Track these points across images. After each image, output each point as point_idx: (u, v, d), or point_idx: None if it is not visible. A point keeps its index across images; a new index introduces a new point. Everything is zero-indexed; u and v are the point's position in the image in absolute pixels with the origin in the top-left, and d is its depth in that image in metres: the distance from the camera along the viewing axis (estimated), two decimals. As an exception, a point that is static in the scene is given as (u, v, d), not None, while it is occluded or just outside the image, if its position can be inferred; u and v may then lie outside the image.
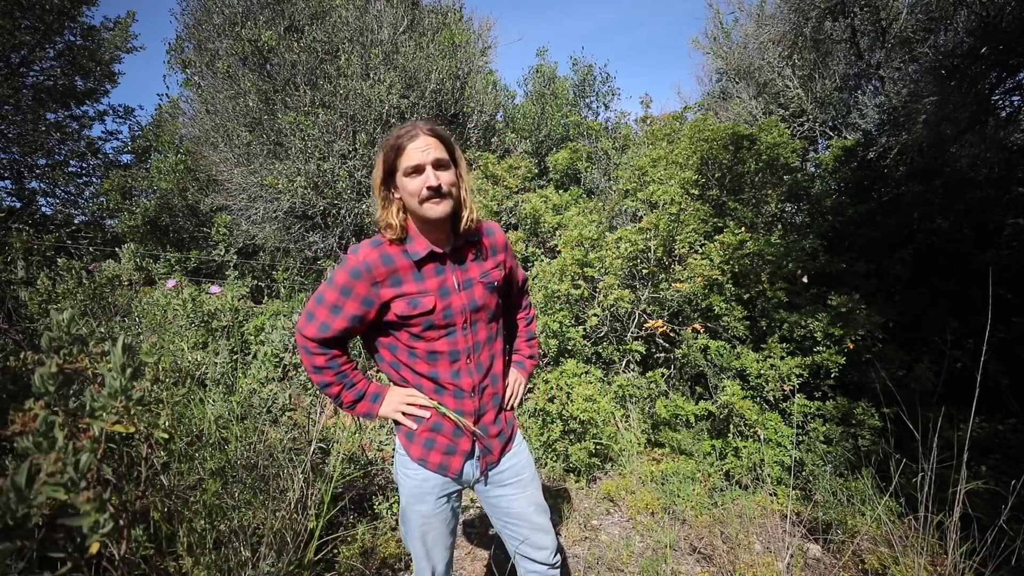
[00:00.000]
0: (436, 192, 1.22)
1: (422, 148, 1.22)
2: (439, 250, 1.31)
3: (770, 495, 2.94)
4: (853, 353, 3.26)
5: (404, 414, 1.38)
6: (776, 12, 6.71)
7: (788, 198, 4.83)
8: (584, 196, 5.66)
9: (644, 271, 3.88)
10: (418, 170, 1.22)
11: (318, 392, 2.37)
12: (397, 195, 1.28)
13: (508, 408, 1.53)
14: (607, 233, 4.25)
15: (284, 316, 2.53)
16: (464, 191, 1.31)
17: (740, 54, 8.97)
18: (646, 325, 3.84)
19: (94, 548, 1.15)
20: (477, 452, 1.44)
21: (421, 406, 1.38)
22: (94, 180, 10.71)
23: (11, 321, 2.57)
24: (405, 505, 1.45)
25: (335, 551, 2.23)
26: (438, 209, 1.24)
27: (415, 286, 1.28)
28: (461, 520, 1.52)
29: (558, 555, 1.56)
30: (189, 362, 2.34)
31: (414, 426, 1.37)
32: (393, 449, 2.60)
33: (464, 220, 1.32)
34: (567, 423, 3.22)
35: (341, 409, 1.40)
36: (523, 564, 1.56)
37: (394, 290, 1.27)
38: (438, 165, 1.24)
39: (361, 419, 1.39)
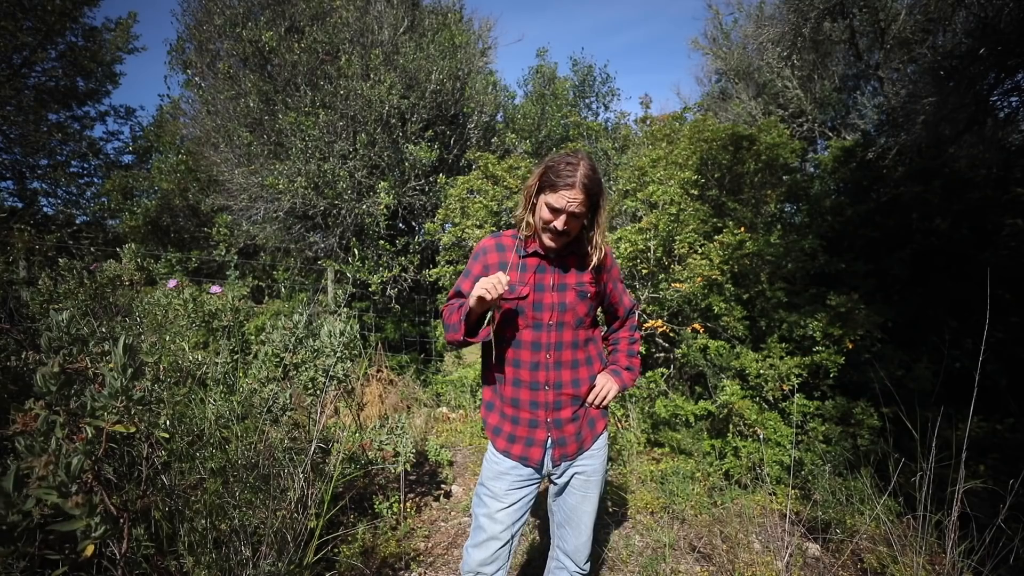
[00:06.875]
0: (557, 233, 1.43)
1: (569, 198, 1.40)
2: (543, 252, 1.51)
3: (769, 494, 2.95)
4: (852, 353, 3.27)
5: (485, 289, 1.35)
6: (775, 13, 6.71)
7: (787, 198, 4.84)
8: (584, 196, 5.65)
9: (644, 271, 3.88)
10: (556, 211, 1.42)
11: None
12: (534, 202, 1.49)
13: (592, 407, 1.60)
14: (607, 233, 4.25)
15: (284, 316, 2.54)
16: (597, 235, 1.49)
17: (739, 55, 8.99)
18: (646, 325, 3.85)
19: (88, 551, 1.16)
20: (551, 442, 1.54)
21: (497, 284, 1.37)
22: (95, 180, 10.73)
23: (13, 321, 2.57)
24: (482, 480, 1.59)
25: (335, 550, 2.24)
26: (552, 244, 1.46)
27: (516, 275, 1.49)
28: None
29: (588, 563, 1.66)
30: (190, 362, 2.34)
31: (488, 296, 1.33)
32: (394, 449, 2.62)
33: (589, 256, 1.51)
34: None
35: (456, 335, 1.48)
36: (556, 560, 1.70)
37: None
38: (572, 217, 1.42)
39: (462, 328, 1.48)
